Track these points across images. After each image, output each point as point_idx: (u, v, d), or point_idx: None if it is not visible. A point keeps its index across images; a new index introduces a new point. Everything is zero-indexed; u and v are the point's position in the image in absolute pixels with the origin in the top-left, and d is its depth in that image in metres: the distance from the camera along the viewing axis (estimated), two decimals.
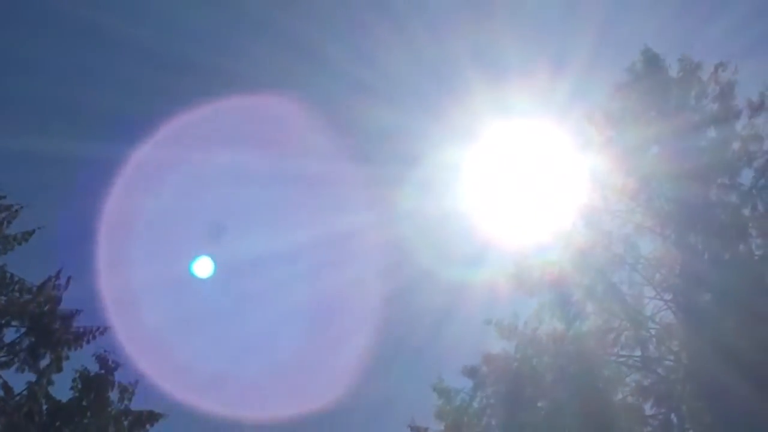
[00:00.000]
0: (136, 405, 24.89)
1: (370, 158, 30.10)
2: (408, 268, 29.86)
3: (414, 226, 29.33)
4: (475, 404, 23.62)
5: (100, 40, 33.55)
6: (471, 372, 23.69)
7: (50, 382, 23.68)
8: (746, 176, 24.26)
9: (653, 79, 25.07)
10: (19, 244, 24.22)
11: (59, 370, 23.87)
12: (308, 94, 33.34)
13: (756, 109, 24.20)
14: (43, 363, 23.86)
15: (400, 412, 25.19)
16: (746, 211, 23.84)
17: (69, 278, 25.02)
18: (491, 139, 27.36)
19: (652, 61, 25.16)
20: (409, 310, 30.57)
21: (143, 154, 29.69)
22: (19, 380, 23.31)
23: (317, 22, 34.10)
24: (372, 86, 32.51)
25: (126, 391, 24.81)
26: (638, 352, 23.67)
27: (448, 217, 28.21)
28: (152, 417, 24.78)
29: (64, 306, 24.63)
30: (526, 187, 26.07)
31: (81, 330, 24.53)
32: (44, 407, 23.56)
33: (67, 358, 24.21)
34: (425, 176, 29.01)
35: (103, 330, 24.90)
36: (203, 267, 32.38)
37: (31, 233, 24.34)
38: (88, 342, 24.65)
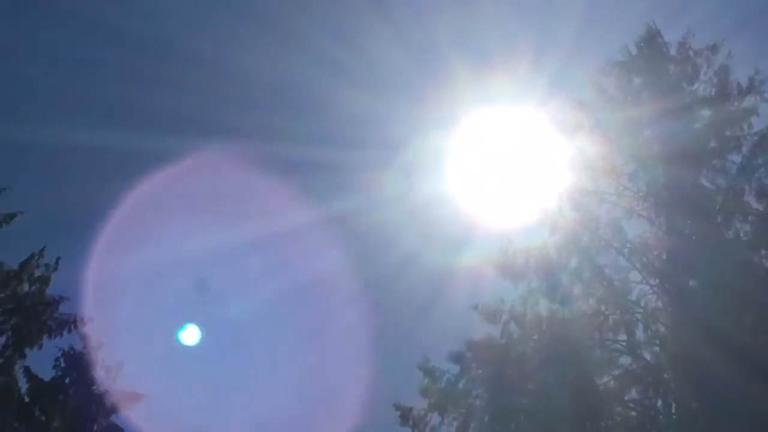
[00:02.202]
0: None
1: (352, 143, 29.80)
2: (393, 252, 29.59)
3: (398, 211, 29.09)
4: (461, 386, 23.31)
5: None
6: (456, 357, 23.56)
7: (23, 356, 23.35)
8: (736, 160, 24.09)
9: (650, 59, 24.86)
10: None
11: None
12: (293, 79, 33.08)
13: (745, 92, 24.01)
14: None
15: (386, 394, 24.78)
16: (734, 195, 23.69)
17: (58, 259, 24.69)
18: (476, 123, 27.15)
19: (651, 39, 24.95)
20: (394, 295, 30.32)
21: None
22: None
23: (301, 6, 33.78)
24: (355, 71, 32.31)
25: (110, 371, 24.68)
26: (625, 337, 23.44)
27: (433, 202, 28.04)
28: (135, 397, 24.69)
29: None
30: (511, 171, 25.79)
31: (65, 317, 24.27)
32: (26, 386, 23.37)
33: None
34: (409, 161, 28.78)
35: (86, 320, 24.64)
36: None
37: (13, 216, 23.94)
38: (69, 331, 24.40)
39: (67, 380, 24.44)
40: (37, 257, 24.41)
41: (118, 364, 25.23)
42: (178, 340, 31.62)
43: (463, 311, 24.67)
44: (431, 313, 28.11)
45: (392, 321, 31.22)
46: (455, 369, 23.76)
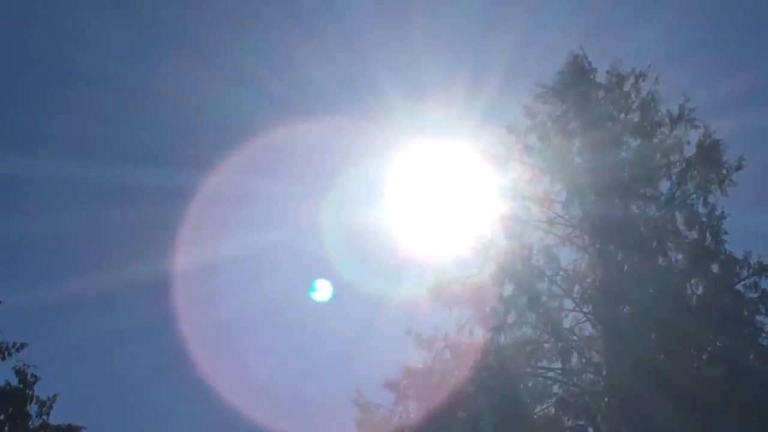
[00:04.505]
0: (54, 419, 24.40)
1: (285, 173, 29.70)
2: (328, 282, 29.49)
3: (333, 240, 28.99)
4: (396, 418, 23.22)
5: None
6: (392, 385, 23.42)
7: None
8: (666, 188, 24.48)
9: (579, 87, 25.10)
10: None
11: None
12: (223, 108, 32.93)
13: (675, 120, 24.32)
14: None
15: (321, 423, 24.62)
16: (665, 223, 23.95)
17: None
18: (410, 152, 27.18)
19: (579, 68, 25.17)
20: (330, 324, 30.19)
21: None
22: None
23: (231, 34, 33.66)
24: (289, 100, 32.26)
25: (44, 406, 24.30)
26: (559, 364, 23.49)
27: (369, 232, 27.96)
28: (71, 430, 24.28)
29: None
30: (446, 201, 25.82)
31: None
32: None
33: None
34: (344, 191, 28.69)
35: (20, 346, 24.18)
36: None
37: None
38: (3, 358, 23.93)
39: (1, 417, 24.02)
40: None
41: (52, 397, 24.84)
42: None
43: (398, 340, 24.55)
44: (367, 342, 28.00)
45: (328, 351, 31.03)
46: (390, 398, 23.66)
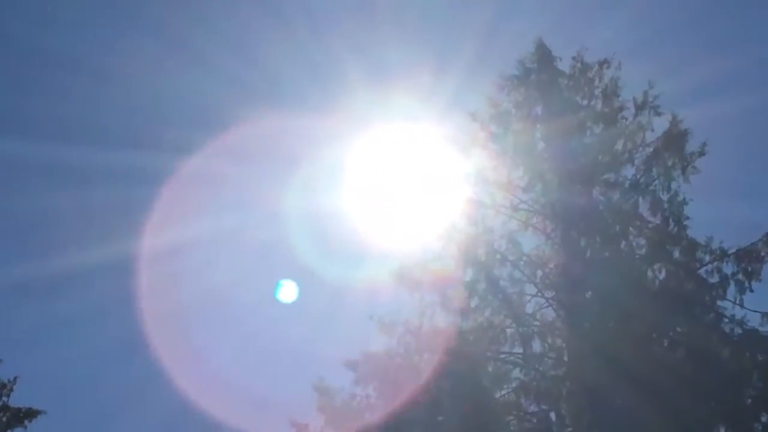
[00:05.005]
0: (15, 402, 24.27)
1: (249, 157, 29.48)
2: (290, 267, 29.31)
3: (296, 225, 28.82)
4: (356, 402, 23.08)
5: None
6: (353, 365, 23.25)
7: None
8: (629, 174, 24.49)
9: (542, 75, 25.09)
10: None
11: None
12: (187, 93, 32.67)
13: (639, 107, 24.33)
14: None
15: (282, 410, 24.40)
16: (628, 209, 23.96)
17: None
18: (374, 138, 27.03)
19: (543, 56, 25.15)
20: (292, 309, 30.02)
21: None
22: None
23: (195, 16, 33.40)
24: (253, 85, 32.08)
25: (4, 388, 24.16)
26: (520, 349, 23.43)
27: (332, 217, 27.82)
28: (31, 414, 24.16)
29: None
30: (410, 185, 25.72)
31: None
32: None
33: None
34: (307, 176, 28.54)
35: None
36: None
37: None
38: None
39: None
40: None
41: (12, 379, 24.70)
42: None
43: (362, 326, 24.44)
44: (330, 328, 27.85)
45: (291, 336, 30.85)
46: (351, 385, 23.51)
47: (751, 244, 23.11)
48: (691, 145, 24.04)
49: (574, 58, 25.07)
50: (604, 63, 24.71)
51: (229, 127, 30.77)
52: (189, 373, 30.14)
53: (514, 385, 23.34)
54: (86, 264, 30.30)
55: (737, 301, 22.81)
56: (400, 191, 25.98)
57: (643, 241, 24.00)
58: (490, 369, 23.37)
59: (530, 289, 24.06)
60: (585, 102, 24.99)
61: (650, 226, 23.96)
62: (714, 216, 24.87)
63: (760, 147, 31.61)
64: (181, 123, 32.10)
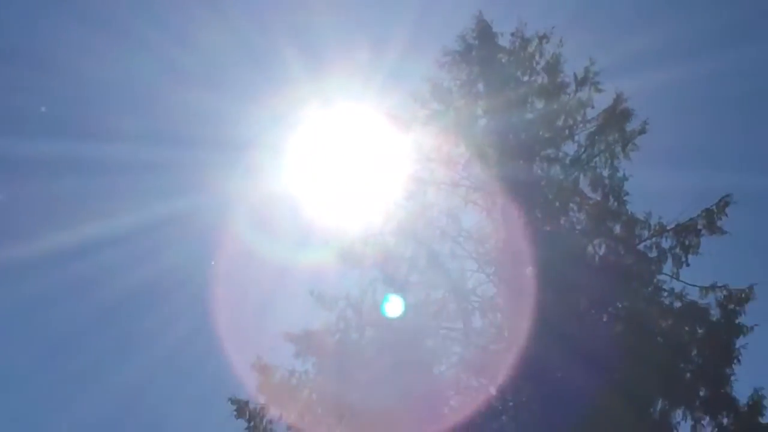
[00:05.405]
0: None
1: (189, 142, 29.19)
2: (233, 252, 29.01)
3: (237, 211, 28.57)
4: (295, 378, 22.88)
5: None
6: (294, 338, 23.07)
7: None
8: (571, 150, 24.60)
9: (483, 51, 25.06)
10: None
11: None
12: (121, 75, 32.32)
13: (580, 82, 24.39)
14: None
15: (225, 391, 24.07)
16: (569, 185, 24.00)
17: None
18: (314, 119, 26.82)
19: (483, 31, 25.12)
20: (236, 293, 29.72)
21: None
22: None
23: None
24: (191, 69, 31.77)
25: None
26: (461, 325, 23.38)
27: (274, 201, 27.55)
28: None
29: None
30: (351, 165, 25.59)
31: None
32: None
33: None
34: (248, 160, 28.30)
35: None
36: None
37: None
38: None
39: None
40: None
41: None
42: None
43: (304, 305, 24.24)
44: (274, 310, 27.64)
45: (234, 319, 30.54)
46: (291, 359, 23.34)
47: (690, 219, 23.23)
48: (633, 123, 24.02)
49: (513, 34, 25.01)
50: (543, 37, 24.72)
51: (165, 112, 30.49)
52: (131, 364, 29.89)
53: (454, 360, 23.24)
54: (18, 257, 29.79)
55: (674, 275, 22.82)
56: (341, 171, 25.76)
57: (583, 217, 24.00)
58: (430, 344, 23.13)
59: (471, 264, 24.07)
60: (526, 78, 24.96)
61: (591, 201, 23.99)
62: (653, 191, 24.90)
63: (699, 119, 31.67)
64: (117, 110, 31.57)
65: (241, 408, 23.08)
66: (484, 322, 23.66)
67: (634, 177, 23.99)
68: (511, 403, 22.65)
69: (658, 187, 25.62)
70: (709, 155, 33.05)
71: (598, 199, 24.08)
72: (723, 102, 33.38)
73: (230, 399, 23.12)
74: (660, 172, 26.71)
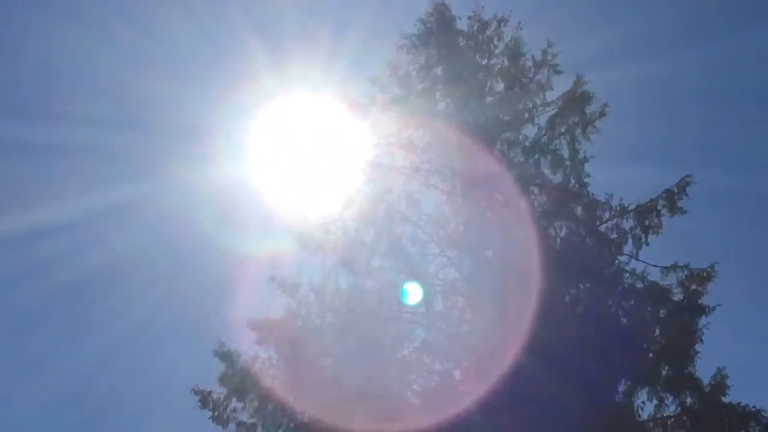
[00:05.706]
0: None
1: (147, 128, 28.89)
2: (189, 241, 28.85)
3: (197, 198, 28.37)
4: (257, 364, 22.69)
5: None
6: (256, 325, 22.88)
7: None
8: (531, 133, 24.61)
9: (442, 35, 25.00)
10: None
11: None
12: (78, 59, 31.97)
13: (539, 65, 24.39)
14: None
15: (186, 380, 23.86)
16: (529, 168, 23.99)
17: None
18: (274, 106, 26.67)
19: (442, 14, 25.07)
20: (193, 282, 29.54)
21: None
22: None
23: None
24: (150, 55, 31.50)
25: None
26: (423, 309, 23.28)
27: (234, 188, 27.39)
28: None
29: None
30: (312, 151, 25.42)
31: None
32: None
33: None
34: (208, 147, 28.11)
35: None
36: None
37: None
38: None
39: None
40: None
41: None
42: None
43: (264, 292, 24.09)
44: (235, 298, 27.40)
45: (191, 309, 30.36)
46: (253, 346, 23.16)
47: (650, 200, 23.24)
48: (593, 107, 24.04)
49: (470, 18, 24.97)
50: (501, 20, 24.75)
51: (122, 98, 30.21)
52: (89, 351, 29.59)
53: (416, 344, 23.08)
54: None
55: (633, 255, 22.86)
56: (301, 157, 25.58)
57: (544, 199, 23.99)
58: (392, 329, 23.01)
59: (432, 248, 23.94)
60: (485, 61, 24.93)
61: (551, 184, 23.96)
62: (614, 178, 24.93)
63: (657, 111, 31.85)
64: (79, 95, 31.26)
65: (204, 398, 22.86)
66: (446, 306, 23.50)
67: (595, 160, 24.09)
68: (474, 386, 22.51)
69: (619, 170, 25.63)
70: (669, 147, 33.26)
71: (559, 181, 24.03)
72: (686, 97, 33.62)
73: (193, 390, 22.87)
74: (621, 163, 26.81)
